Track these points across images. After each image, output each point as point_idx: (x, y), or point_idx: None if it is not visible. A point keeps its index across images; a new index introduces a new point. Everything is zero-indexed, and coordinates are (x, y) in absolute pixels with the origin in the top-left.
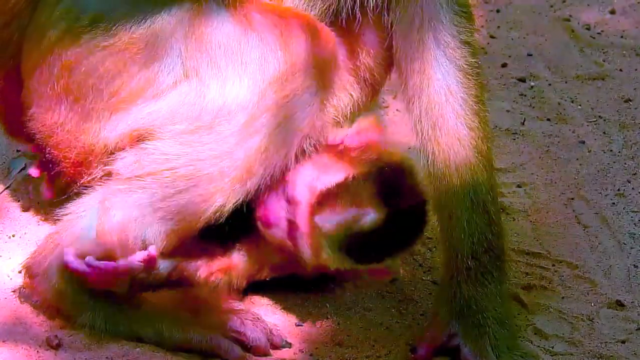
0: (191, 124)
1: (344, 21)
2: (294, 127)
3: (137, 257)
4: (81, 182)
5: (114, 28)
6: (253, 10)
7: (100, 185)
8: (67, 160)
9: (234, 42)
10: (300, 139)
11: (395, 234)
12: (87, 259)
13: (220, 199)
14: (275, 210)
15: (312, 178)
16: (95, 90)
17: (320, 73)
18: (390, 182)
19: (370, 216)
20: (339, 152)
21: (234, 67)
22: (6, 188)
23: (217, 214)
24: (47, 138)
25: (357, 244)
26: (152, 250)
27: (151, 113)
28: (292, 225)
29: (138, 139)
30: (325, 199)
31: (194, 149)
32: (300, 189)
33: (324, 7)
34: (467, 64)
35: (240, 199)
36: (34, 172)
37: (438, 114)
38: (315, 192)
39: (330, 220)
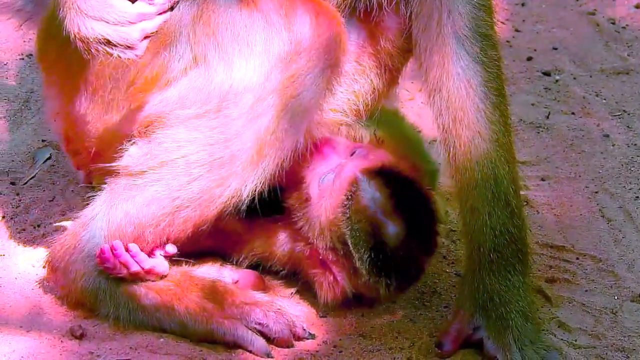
0: (199, 108)
1: (361, 12)
2: (301, 107)
3: (162, 268)
4: (102, 173)
5: None
6: None
7: (115, 180)
8: (89, 151)
9: (239, 24)
10: (308, 119)
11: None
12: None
13: (234, 182)
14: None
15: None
16: (113, 80)
17: (326, 53)
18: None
19: (398, 228)
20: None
21: (240, 49)
22: (31, 178)
23: (234, 199)
24: (69, 130)
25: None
26: (171, 249)
27: (162, 100)
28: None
29: (147, 126)
30: (383, 173)
31: (204, 133)
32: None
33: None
34: (487, 57)
35: (258, 184)
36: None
37: (458, 107)
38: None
39: (372, 191)
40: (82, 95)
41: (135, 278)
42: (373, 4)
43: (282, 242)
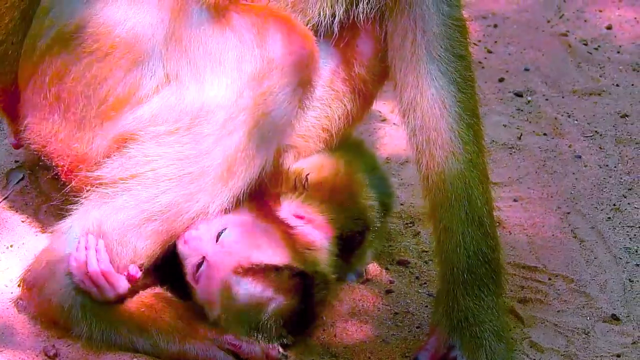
0: (171, 125)
1: (336, 34)
2: (272, 125)
3: (122, 284)
4: (74, 188)
5: (97, 32)
6: (232, 10)
7: (87, 193)
8: (61, 168)
9: (212, 42)
10: (279, 137)
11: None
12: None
13: (203, 198)
14: (201, 237)
15: (251, 243)
16: (85, 97)
17: (298, 71)
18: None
19: (278, 303)
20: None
21: (212, 67)
22: (4, 199)
23: (202, 214)
24: (42, 148)
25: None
26: (133, 270)
27: (135, 119)
28: (204, 264)
29: (121, 143)
30: (252, 269)
31: (174, 149)
32: (237, 244)
33: (306, 21)
34: (461, 78)
35: (225, 201)
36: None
37: (432, 127)
38: (249, 258)
39: (245, 288)
40: (55, 112)
41: (94, 284)
42: (348, 22)
43: None
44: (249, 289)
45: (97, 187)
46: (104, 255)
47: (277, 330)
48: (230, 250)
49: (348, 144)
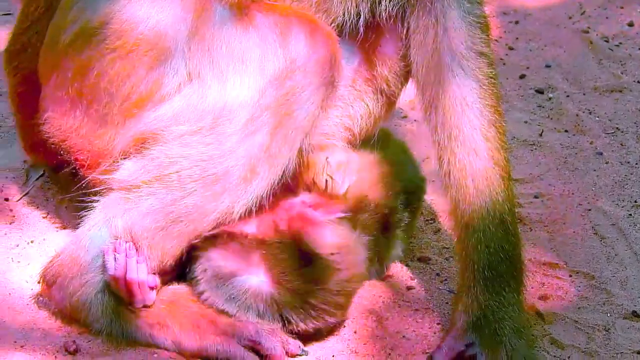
0: (193, 125)
1: (360, 33)
2: (295, 125)
3: (152, 296)
4: (93, 183)
5: (120, 29)
6: (254, 9)
7: (108, 194)
8: (80, 162)
9: (235, 41)
10: (302, 137)
11: None
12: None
13: (227, 198)
14: None
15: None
16: (108, 94)
17: (321, 71)
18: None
19: (255, 278)
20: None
21: (235, 66)
22: (25, 194)
23: (227, 215)
24: (61, 142)
25: None
26: (153, 282)
27: (157, 117)
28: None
29: (142, 143)
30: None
31: (197, 149)
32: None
33: (330, 20)
34: (482, 75)
35: (250, 201)
36: None
37: (454, 125)
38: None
39: (213, 259)
40: (77, 108)
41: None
42: (373, 21)
43: None
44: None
45: (119, 190)
46: (142, 267)
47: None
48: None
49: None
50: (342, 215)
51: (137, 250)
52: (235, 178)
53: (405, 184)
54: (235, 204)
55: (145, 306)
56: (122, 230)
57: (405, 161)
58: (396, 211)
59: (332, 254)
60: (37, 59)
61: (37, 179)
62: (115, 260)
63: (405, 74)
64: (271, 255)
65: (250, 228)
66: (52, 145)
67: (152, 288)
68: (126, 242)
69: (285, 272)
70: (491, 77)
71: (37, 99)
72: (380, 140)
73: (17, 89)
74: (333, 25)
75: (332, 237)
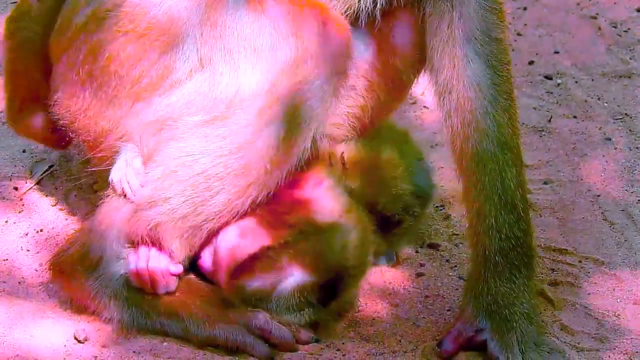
0: (206, 114)
1: (378, 19)
2: (308, 114)
3: (174, 283)
4: (96, 163)
5: (133, 12)
6: None
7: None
8: (86, 143)
9: (247, 28)
10: (315, 125)
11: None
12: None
13: (254, 191)
14: (205, 262)
15: (234, 243)
16: (118, 77)
17: (333, 60)
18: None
19: (293, 278)
20: (269, 212)
21: (247, 54)
22: (35, 183)
23: (252, 204)
24: (70, 124)
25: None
26: (176, 269)
27: (169, 105)
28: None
29: (156, 131)
30: (244, 265)
31: (216, 144)
32: (222, 253)
33: (345, 7)
34: (497, 61)
35: (270, 191)
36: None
37: (467, 110)
38: (235, 258)
39: (250, 284)
40: (86, 89)
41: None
42: (390, 7)
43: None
44: (256, 283)
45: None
46: (164, 255)
47: (300, 306)
48: (223, 262)
49: (392, 132)
50: (330, 182)
51: (161, 245)
52: (256, 170)
53: (413, 190)
54: (260, 194)
55: (167, 293)
56: (143, 226)
57: (417, 166)
58: (398, 213)
59: (340, 216)
60: (38, 23)
61: (47, 167)
62: (137, 253)
63: (418, 65)
64: (297, 250)
65: (265, 240)
66: (62, 127)
67: (175, 275)
68: (148, 236)
69: (314, 256)
70: (505, 63)
71: (30, 69)
72: (398, 142)
73: (11, 54)
74: (349, 12)
75: (331, 203)
